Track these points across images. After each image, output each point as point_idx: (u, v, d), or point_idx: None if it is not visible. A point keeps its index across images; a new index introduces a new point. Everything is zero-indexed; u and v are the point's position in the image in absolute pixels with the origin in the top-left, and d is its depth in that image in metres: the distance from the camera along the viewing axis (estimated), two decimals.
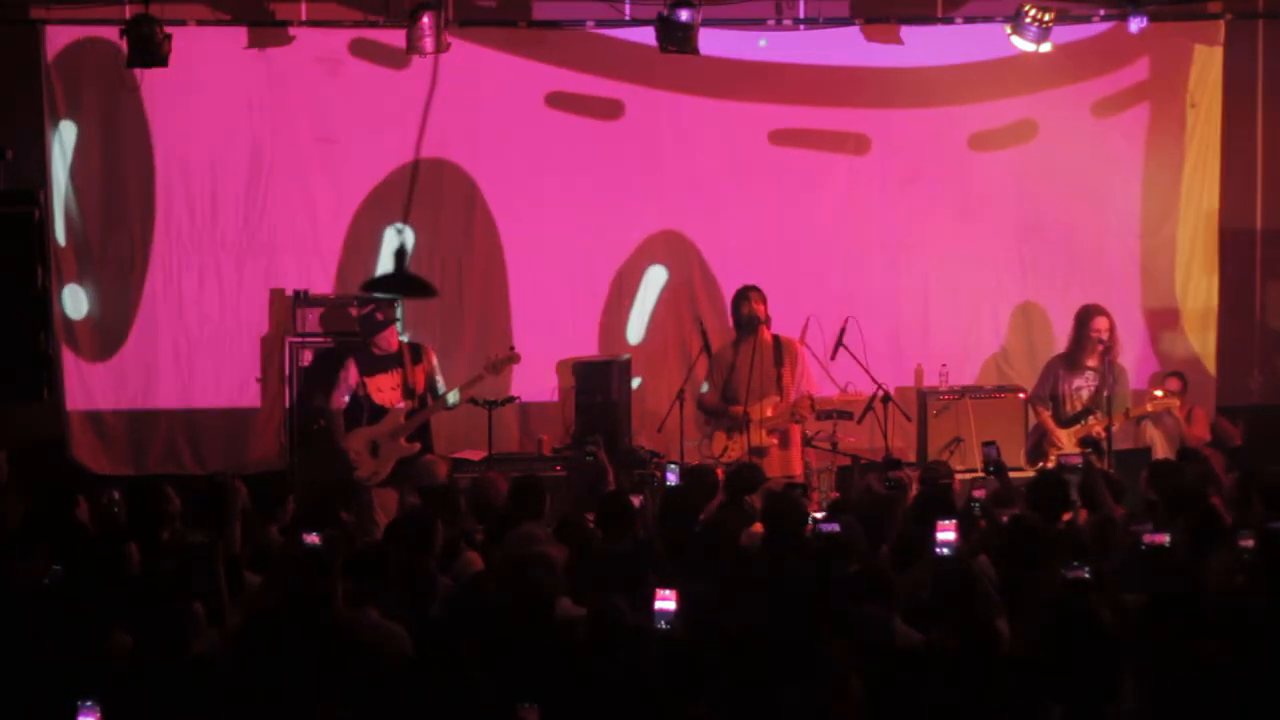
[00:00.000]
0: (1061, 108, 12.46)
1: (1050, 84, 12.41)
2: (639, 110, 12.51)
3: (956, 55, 12.43)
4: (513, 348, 11.37)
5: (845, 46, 12.43)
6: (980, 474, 9.58)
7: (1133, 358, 11.91)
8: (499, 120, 12.33)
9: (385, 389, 11.09)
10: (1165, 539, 6.98)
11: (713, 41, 11.93)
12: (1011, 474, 9.43)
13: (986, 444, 9.26)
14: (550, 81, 12.41)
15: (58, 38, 11.96)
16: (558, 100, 12.44)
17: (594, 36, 12.30)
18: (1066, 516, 8.13)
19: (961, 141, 12.57)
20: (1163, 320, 12.63)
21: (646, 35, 11.59)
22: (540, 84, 12.40)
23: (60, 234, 11.93)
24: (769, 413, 10.85)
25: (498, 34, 12.26)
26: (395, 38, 11.60)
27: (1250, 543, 7.08)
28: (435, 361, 11.26)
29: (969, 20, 12.13)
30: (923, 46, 12.37)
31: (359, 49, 12.23)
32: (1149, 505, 8.49)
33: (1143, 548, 6.94)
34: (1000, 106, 12.52)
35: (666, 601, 6.25)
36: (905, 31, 12.29)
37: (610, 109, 12.51)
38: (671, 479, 8.84)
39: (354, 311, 11.49)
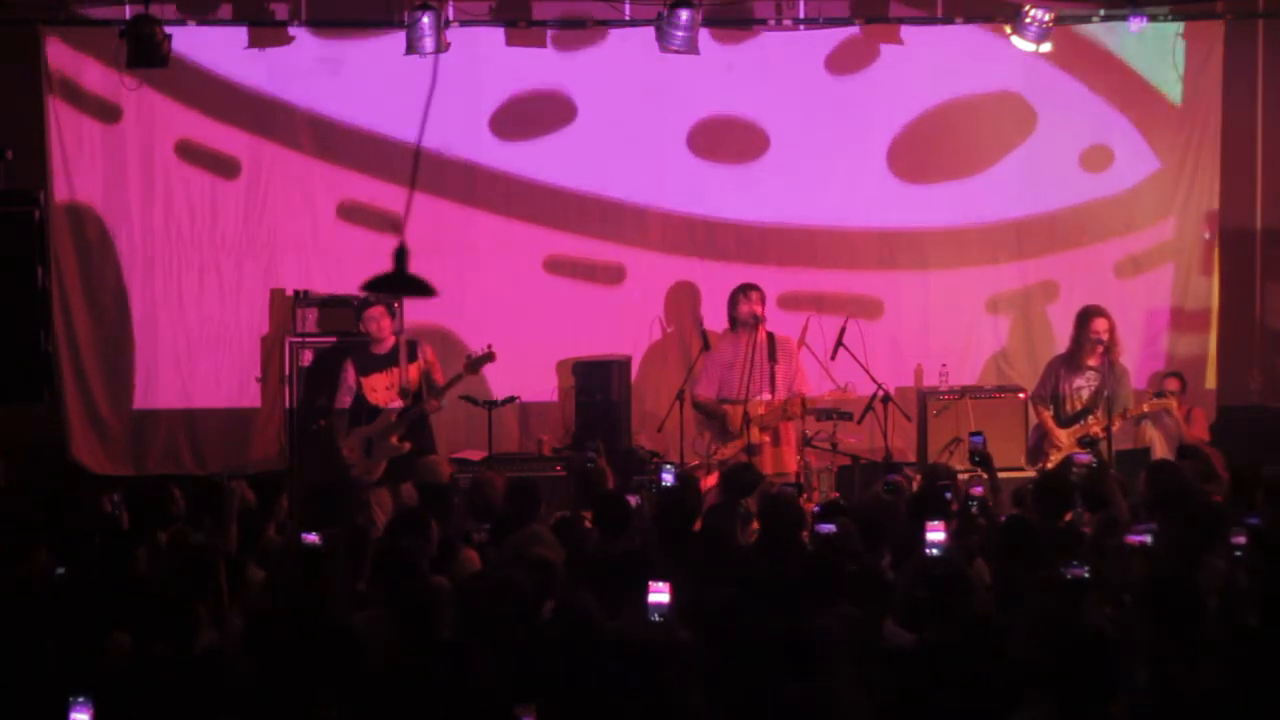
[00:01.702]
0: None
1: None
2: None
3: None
4: (489, 346, 11.09)
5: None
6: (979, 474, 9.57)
7: (1133, 358, 11.89)
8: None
9: (380, 389, 11.05)
10: (1147, 539, 6.97)
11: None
12: (1012, 474, 9.41)
13: (974, 434, 9.23)
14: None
15: (59, 39, 11.95)
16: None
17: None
18: (1068, 516, 8.13)
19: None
20: (1163, 320, 12.62)
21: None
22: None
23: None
24: (760, 410, 10.84)
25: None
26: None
27: (1242, 539, 7.08)
28: (433, 359, 11.21)
29: (969, 21, 12.10)
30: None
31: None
32: (1147, 506, 8.48)
33: (1126, 548, 6.94)
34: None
35: (660, 594, 6.08)
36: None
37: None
38: (667, 479, 8.82)
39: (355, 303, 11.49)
